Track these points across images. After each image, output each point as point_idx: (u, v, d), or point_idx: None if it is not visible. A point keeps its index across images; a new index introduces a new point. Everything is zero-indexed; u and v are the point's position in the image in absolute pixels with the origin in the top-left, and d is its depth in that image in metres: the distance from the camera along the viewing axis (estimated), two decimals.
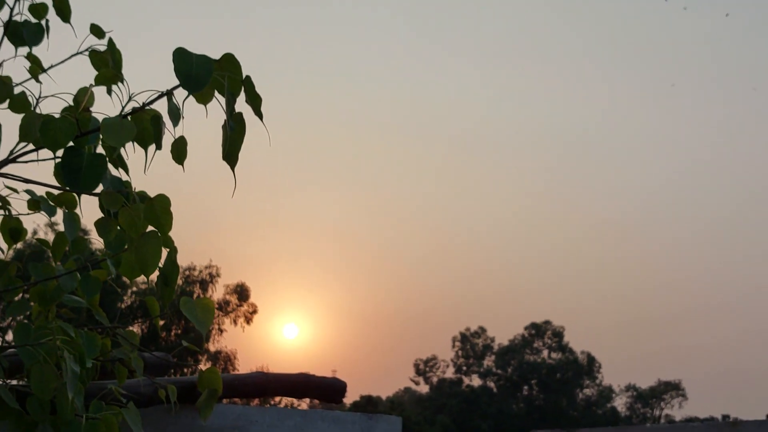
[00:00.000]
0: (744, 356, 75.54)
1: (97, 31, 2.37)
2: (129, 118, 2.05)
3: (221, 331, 41.09)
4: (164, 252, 2.27)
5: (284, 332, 59.58)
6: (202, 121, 2.08)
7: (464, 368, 64.26)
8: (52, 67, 2.38)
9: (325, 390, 3.47)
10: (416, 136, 79.04)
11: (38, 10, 2.47)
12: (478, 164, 78.92)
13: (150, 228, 2.18)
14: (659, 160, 78.41)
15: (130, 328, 2.98)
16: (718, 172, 78.04)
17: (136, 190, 2.23)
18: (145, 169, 2.13)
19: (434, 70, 79.17)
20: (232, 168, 2.06)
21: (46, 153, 2.21)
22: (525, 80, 78.18)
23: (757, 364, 74.13)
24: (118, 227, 2.21)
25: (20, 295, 2.71)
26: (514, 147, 78.37)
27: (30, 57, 2.44)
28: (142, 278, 2.36)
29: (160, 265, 2.28)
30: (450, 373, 64.33)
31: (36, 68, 2.32)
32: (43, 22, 2.46)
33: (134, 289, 35.58)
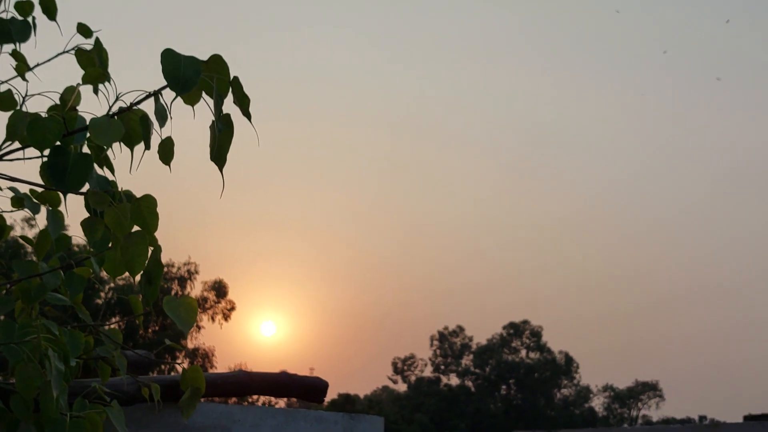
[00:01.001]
0: (721, 355, 76.06)
1: (84, 30, 2.37)
2: (116, 117, 2.05)
3: (199, 328, 40.96)
4: (149, 251, 2.27)
5: (262, 330, 59.53)
6: (188, 121, 2.09)
7: (442, 367, 64.39)
8: (38, 65, 2.38)
9: (307, 389, 3.49)
10: (392, 135, 79.16)
11: (24, 8, 2.46)
12: (456, 163, 79.09)
13: (136, 228, 2.18)
14: (631, 152, 78.94)
15: (111, 325, 2.98)
16: (691, 160, 78.58)
17: (122, 190, 2.24)
18: (130, 170, 2.14)
19: (404, 71, 79.33)
20: (221, 169, 2.06)
21: (32, 152, 2.21)
22: (497, 77, 78.40)
23: (734, 363, 74.63)
24: (105, 227, 2.21)
25: (3, 292, 2.70)
26: (489, 145, 78.63)
27: (16, 55, 2.44)
28: (120, 277, 2.36)
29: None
30: (428, 372, 64.50)
31: (23, 66, 2.31)
32: (30, 20, 2.45)
33: (112, 285, 35.40)
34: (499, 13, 79.05)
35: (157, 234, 2.29)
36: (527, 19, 79.18)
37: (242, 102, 2.07)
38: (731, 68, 76.80)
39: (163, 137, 2.10)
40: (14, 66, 2.36)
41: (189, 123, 2.20)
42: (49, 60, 2.38)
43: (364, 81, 79.66)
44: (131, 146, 2.11)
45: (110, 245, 2.30)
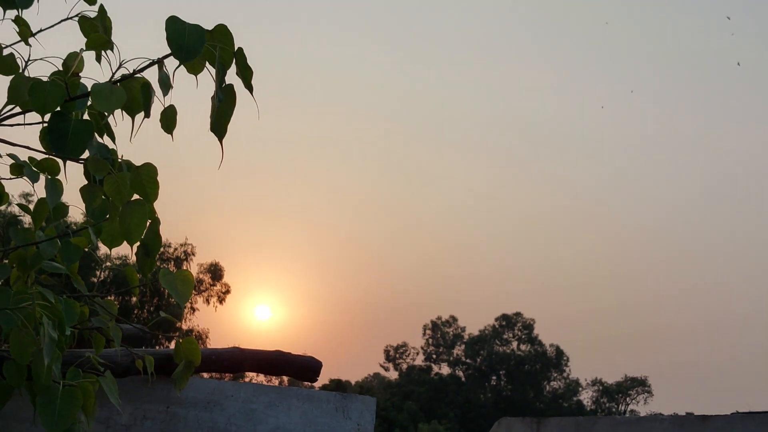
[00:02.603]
0: (709, 352, 76.21)
1: None
2: (119, 84, 2.03)
3: (194, 310, 41.00)
4: (147, 223, 2.26)
5: (256, 313, 59.58)
6: (192, 92, 2.08)
7: (434, 356, 64.45)
8: (41, 31, 2.36)
9: (300, 368, 3.48)
10: (387, 127, 79.07)
11: None
12: (451, 155, 79.01)
13: (135, 196, 2.17)
14: (624, 149, 78.97)
15: (106, 297, 2.97)
16: (683, 159, 78.61)
17: (122, 159, 2.22)
18: (131, 137, 2.12)
19: (398, 65, 79.21)
20: (220, 139, 2.05)
21: (32, 117, 2.20)
22: (489, 72, 78.29)
23: (723, 360, 74.76)
24: (103, 195, 2.20)
25: None
26: (483, 139, 78.61)
27: (18, 20, 2.42)
28: (116, 253, 2.36)
29: (143, 235, 2.27)
30: (420, 360, 64.56)
31: (26, 31, 2.30)
32: None
33: (108, 264, 35.38)
34: (492, 7, 78.90)
35: (155, 209, 2.28)
36: (520, 14, 79.05)
37: (245, 74, 2.06)
38: (732, 64, 76.72)
39: (166, 106, 2.08)
40: (17, 30, 2.34)
41: (192, 98, 2.19)
42: (52, 26, 2.36)
43: (361, 74, 79.68)
44: (132, 114, 2.09)
45: (108, 216, 2.29)
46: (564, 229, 79.51)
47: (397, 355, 64.70)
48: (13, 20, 2.41)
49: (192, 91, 2.08)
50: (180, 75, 2.03)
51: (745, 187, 77.98)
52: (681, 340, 77.11)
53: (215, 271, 42.63)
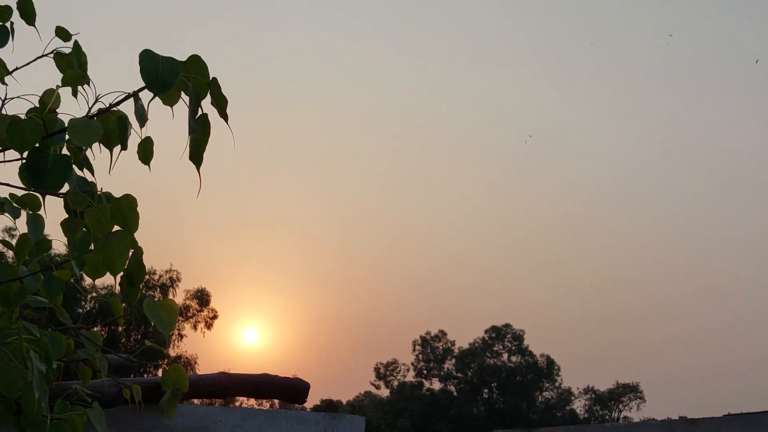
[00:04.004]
0: (701, 357, 76.43)
1: (62, 33, 2.38)
2: (95, 119, 2.06)
3: (181, 336, 40.85)
4: (129, 253, 2.28)
5: (244, 337, 59.36)
6: (168, 123, 2.11)
7: (425, 372, 64.35)
8: (17, 69, 2.39)
9: (288, 390, 3.50)
10: (376, 143, 79.18)
11: (2, 13, 2.48)
12: (437, 170, 79.16)
13: (116, 228, 2.20)
14: (611, 161, 79.29)
15: (91, 329, 2.98)
16: (674, 166, 79.16)
17: (101, 191, 2.25)
18: (110, 170, 2.15)
19: (394, 76, 79.36)
20: (198, 168, 2.08)
21: (11, 154, 2.22)
22: (484, 85, 78.60)
23: (715, 365, 74.98)
24: (84, 228, 2.22)
25: None
26: (469, 151, 78.80)
27: None
28: (102, 283, 2.38)
29: (126, 265, 2.29)
30: (410, 376, 64.43)
31: (2, 70, 2.32)
32: (8, 25, 2.46)
33: (94, 294, 35.23)
34: (490, 16, 79.29)
35: (138, 238, 2.30)
36: (519, 23, 79.49)
37: (220, 103, 2.09)
38: (726, 69, 77.44)
39: (143, 137, 2.11)
40: None
41: (168, 128, 2.22)
42: (28, 63, 2.39)
43: (353, 85, 79.72)
44: (110, 147, 2.12)
45: (91, 247, 2.31)
46: (550, 240, 79.76)
47: (388, 373, 64.60)
48: None
49: (169, 121, 2.11)
50: (156, 105, 2.06)
51: (741, 196, 78.51)
52: (672, 345, 77.34)
53: (202, 297, 42.50)
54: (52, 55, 2.34)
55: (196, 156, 2.06)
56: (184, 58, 2.03)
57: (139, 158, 2.13)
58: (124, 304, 2.74)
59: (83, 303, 36.26)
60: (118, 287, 2.46)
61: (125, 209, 2.17)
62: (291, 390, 3.51)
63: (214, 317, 42.52)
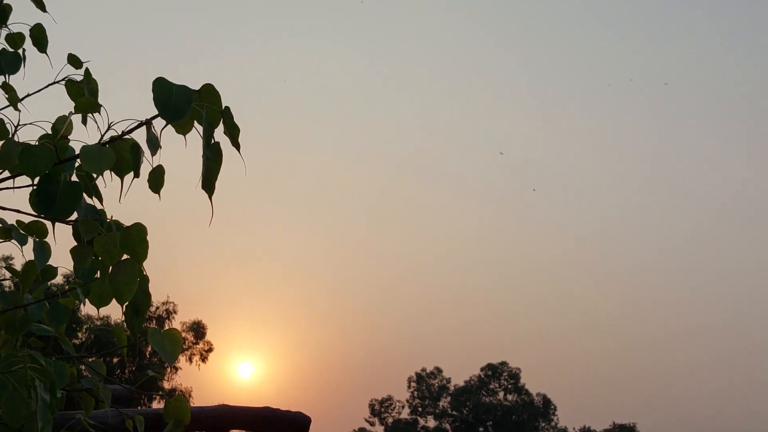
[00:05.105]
0: (699, 398, 76.09)
1: (74, 60, 2.39)
2: (108, 146, 2.06)
3: (176, 369, 40.65)
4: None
5: (239, 371, 59.04)
6: (176, 151, 2.11)
7: (420, 409, 64.01)
8: (29, 95, 2.40)
9: (289, 424, 3.48)
10: (372, 180, 79.45)
11: (15, 40, 2.49)
12: (433, 207, 79.33)
13: (125, 256, 2.19)
14: (609, 198, 79.49)
15: (93, 358, 2.97)
16: (666, 199, 79.35)
17: (111, 219, 2.24)
18: (120, 198, 2.14)
19: (389, 114, 79.84)
20: (210, 197, 2.08)
21: (21, 181, 2.22)
22: (473, 119, 79.05)
23: (713, 406, 74.63)
24: (93, 256, 2.21)
25: None
26: (466, 188, 79.00)
27: (6, 86, 2.45)
28: (99, 313, 2.36)
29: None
30: (405, 413, 64.09)
31: (14, 96, 2.33)
32: (21, 52, 2.47)
33: (89, 325, 35.13)
34: (483, 50, 79.79)
35: (144, 267, 2.29)
36: (515, 58, 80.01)
37: (232, 131, 2.09)
38: (719, 107, 77.90)
39: (154, 165, 2.11)
40: (6, 96, 2.37)
41: (174, 157, 2.21)
42: (39, 90, 2.40)
43: (347, 121, 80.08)
44: (121, 175, 2.11)
45: (97, 275, 2.30)
46: (547, 278, 79.69)
47: (383, 409, 64.25)
48: (0, 86, 2.44)
49: (176, 150, 2.11)
50: (168, 133, 2.06)
51: (739, 231, 78.62)
52: (670, 386, 77.02)
53: (198, 329, 42.39)
54: (63, 82, 2.35)
55: (209, 184, 2.06)
56: (196, 87, 2.04)
57: (150, 187, 2.13)
58: (128, 333, 2.73)
59: (79, 334, 36.12)
60: (122, 316, 2.45)
61: (135, 238, 2.16)
62: (293, 424, 3.48)
63: (210, 350, 42.40)
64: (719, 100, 78.20)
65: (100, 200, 2.32)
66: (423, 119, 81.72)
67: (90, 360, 2.90)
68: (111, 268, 2.17)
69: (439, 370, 65.25)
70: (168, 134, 2.06)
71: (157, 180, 2.13)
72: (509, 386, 64.11)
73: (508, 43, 79.73)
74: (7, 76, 2.43)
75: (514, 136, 79.61)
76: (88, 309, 2.46)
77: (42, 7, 2.50)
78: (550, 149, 79.91)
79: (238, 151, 2.10)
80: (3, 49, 2.45)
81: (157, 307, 40.86)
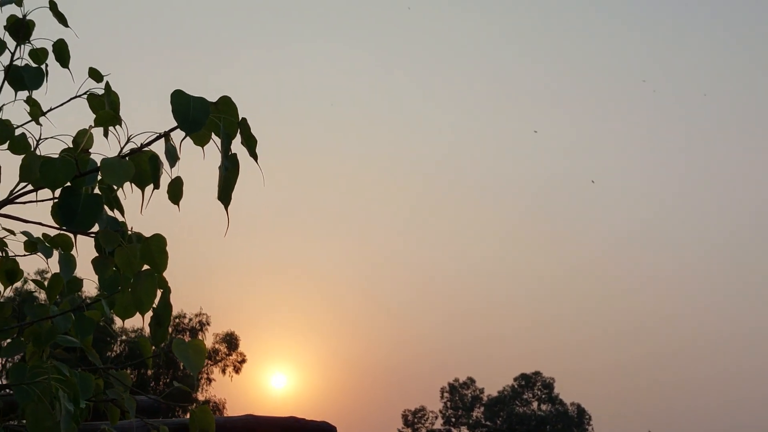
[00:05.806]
0: (735, 405, 75.18)
1: (95, 74, 2.42)
2: (128, 158, 2.09)
3: (210, 380, 40.83)
4: (158, 293, 2.30)
5: (272, 382, 59.18)
6: (198, 164, 2.13)
7: (453, 420, 63.81)
8: (51, 110, 2.43)
9: None
10: (403, 189, 79.44)
11: (38, 55, 2.53)
12: (465, 215, 79.18)
13: (145, 267, 2.21)
14: (640, 205, 79.00)
15: (120, 369, 2.99)
16: (702, 211, 78.59)
17: (131, 231, 2.27)
18: (141, 209, 2.17)
19: (418, 123, 79.86)
20: (226, 207, 2.09)
21: (44, 194, 2.25)
22: (508, 128, 78.84)
23: (748, 413, 73.74)
24: (114, 267, 2.24)
25: (15, 335, 2.72)
26: (501, 197, 78.79)
27: (29, 101, 2.49)
28: (131, 326, 2.39)
29: (154, 305, 2.30)
30: (439, 424, 63.90)
31: (36, 111, 2.36)
32: (43, 67, 2.51)
33: (123, 338, 35.40)
34: (514, 61, 79.73)
35: (168, 280, 2.31)
36: (542, 71, 79.85)
37: (249, 143, 2.11)
38: (743, 121, 77.27)
39: (173, 177, 2.13)
40: (28, 111, 2.41)
41: (195, 169, 2.24)
42: (61, 104, 2.43)
43: (379, 130, 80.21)
44: (142, 187, 2.14)
45: (120, 288, 2.33)
46: (581, 285, 79.24)
47: (416, 420, 64.12)
48: (24, 101, 2.48)
49: (198, 161, 2.13)
50: (186, 145, 2.08)
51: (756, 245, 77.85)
52: (705, 393, 76.22)
53: (231, 341, 42.57)
54: (85, 96, 2.38)
55: (225, 195, 2.08)
56: (214, 99, 2.06)
57: (169, 198, 2.15)
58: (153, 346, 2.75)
59: (112, 346, 36.41)
60: (147, 327, 2.47)
61: (154, 249, 2.19)
62: None
63: (243, 361, 42.56)
64: (758, 105, 77.53)
65: (122, 212, 2.34)
66: (455, 126, 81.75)
67: (116, 371, 2.92)
68: (132, 279, 2.20)
69: (472, 381, 65.06)
70: (187, 146, 2.08)
71: (176, 191, 2.15)
72: (543, 396, 63.75)
73: (539, 52, 79.62)
74: (30, 91, 2.47)
75: (547, 143, 79.41)
76: (120, 322, 2.48)
77: (64, 22, 2.54)
78: (584, 156, 79.58)
79: (256, 161, 2.12)
80: (26, 64, 2.48)
81: (190, 319, 41.11)
